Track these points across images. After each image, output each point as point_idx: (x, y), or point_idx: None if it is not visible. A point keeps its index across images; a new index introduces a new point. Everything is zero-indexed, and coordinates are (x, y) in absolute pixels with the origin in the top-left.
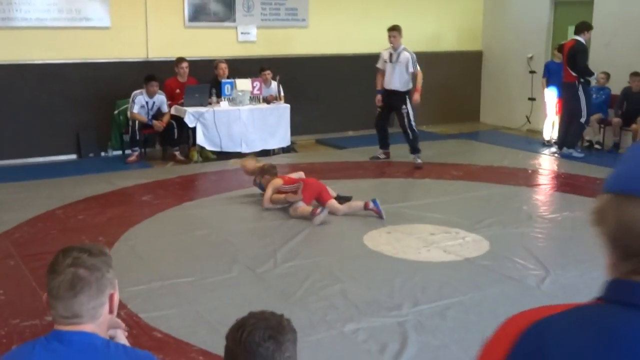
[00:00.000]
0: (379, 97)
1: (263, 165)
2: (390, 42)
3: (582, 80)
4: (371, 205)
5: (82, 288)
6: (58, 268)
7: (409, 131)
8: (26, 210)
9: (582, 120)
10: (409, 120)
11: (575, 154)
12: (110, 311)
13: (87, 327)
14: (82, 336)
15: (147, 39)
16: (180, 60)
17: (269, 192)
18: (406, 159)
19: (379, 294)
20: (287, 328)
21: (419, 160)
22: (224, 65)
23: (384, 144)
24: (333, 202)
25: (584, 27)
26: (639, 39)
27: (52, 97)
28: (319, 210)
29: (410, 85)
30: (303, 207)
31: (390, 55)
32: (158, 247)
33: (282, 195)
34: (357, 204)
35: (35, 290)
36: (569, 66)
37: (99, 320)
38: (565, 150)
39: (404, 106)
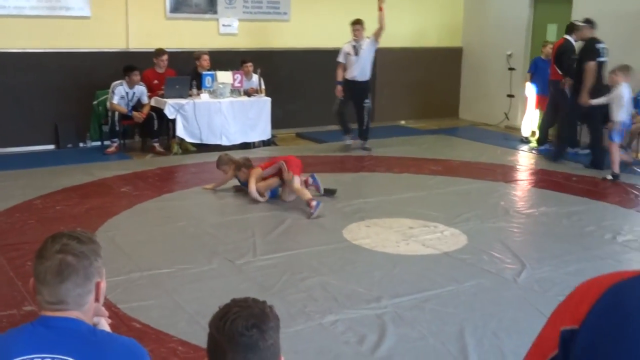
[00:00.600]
0: (339, 88)
1: (237, 161)
2: (355, 36)
3: (568, 79)
4: (310, 181)
5: (69, 275)
6: (46, 253)
7: (365, 124)
8: (3, 200)
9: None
10: (368, 113)
11: (581, 151)
12: (97, 299)
13: (73, 314)
14: (67, 322)
15: (128, 29)
16: (161, 52)
17: (252, 183)
18: (387, 154)
19: (358, 287)
20: (270, 315)
21: (367, 145)
22: (206, 57)
23: (347, 129)
24: (296, 181)
25: (575, 26)
26: (617, 36)
27: (31, 87)
28: (314, 203)
29: (370, 76)
30: (303, 189)
31: (354, 47)
32: (137, 238)
33: (273, 180)
34: (307, 196)
35: (13, 280)
36: (556, 65)
37: (84, 307)
38: (569, 149)
39: (366, 100)
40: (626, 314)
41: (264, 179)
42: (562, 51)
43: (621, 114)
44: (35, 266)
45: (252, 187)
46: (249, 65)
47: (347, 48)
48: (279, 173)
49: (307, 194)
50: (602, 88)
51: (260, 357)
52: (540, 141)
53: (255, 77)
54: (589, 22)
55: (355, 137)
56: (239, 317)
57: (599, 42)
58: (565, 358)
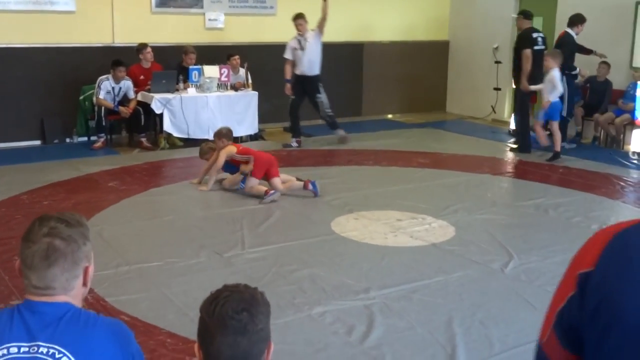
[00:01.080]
0: (288, 86)
1: (220, 130)
2: (299, 30)
3: (565, 72)
4: (310, 187)
5: (56, 259)
6: (33, 237)
7: (327, 117)
8: None
9: (564, 113)
10: (324, 107)
11: (567, 146)
12: (84, 284)
13: (60, 298)
14: (53, 307)
15: (113, 24)
16: (143, 46)
17: (222, 158)
18: (374, 147)
19: (346, 278)
20: (261, 301)
21: (343, 132)
22: (193, 56)
23: (298, 131)
24: (277, 181)
25: (576, 19)
26: (602, 29)
27: (16, 82)
28: (271, 191)
29: (319, 70)
30: (257, 187)
31: (300, 42)
32: (125, 232)
33: (237, 177)
34: (297, 183)
35: (0, 274)
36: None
37: (72, 292)
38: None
39: (318, 95)
40: (629, 254)
41: (233, 159)
42: (561, 43)
43: (552, 95)
44: (22, 249)
45: (221, 161)
46: (236, 59)
47: (293, 43)
48: (247, 160)
49: (261, 190)
50: (540, 75)
51: (249, 341)
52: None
53: (242, 71)
54: (523, 13)
55: (300, 139)
56: (229, 300)
57: (535, 31)
58: (582, 295)
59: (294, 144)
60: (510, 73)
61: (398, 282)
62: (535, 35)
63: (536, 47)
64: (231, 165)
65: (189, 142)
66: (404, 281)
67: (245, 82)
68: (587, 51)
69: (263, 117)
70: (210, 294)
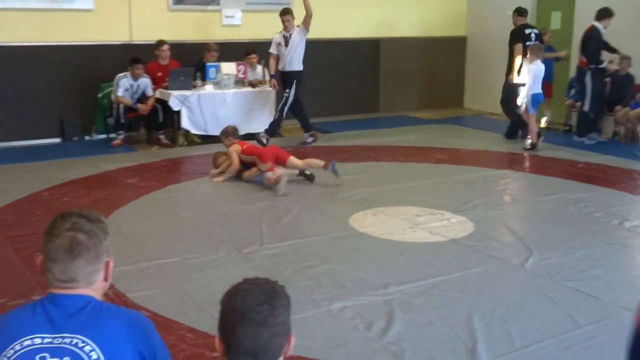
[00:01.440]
0: (274, 82)
1: (226, 129)
2: (286, 27)
3: (591, 66)
4: (330, 167)
5: (80, 252)
6: (56, 231)
7: (278, 113)
8: (11, 192)
9: (586, 108)
10: (285, 104)
11: (587, 141)
12: (105, 278)
13: (82, 291)
14: (76, 299)
15: (131, 21)
16: (161, 43)
17: (235, 157)
18: (392, 143)
19: (365, 274)
20: (281, 293)
21: (265, 138)
22: (215, 54)
23: (309, 126)
24: (292, 160)
25: (604, 13)
26: (622, 23)
27: (36, 81)
28: (278, 178)
29: (301, 67)
30: (271, 178)
31: (285, 38)
32: (144, 229)
33: (255, 170)
34: (317, 162)
35: (22, 270)
36: (581, 51)
37: (94, 285)
38: (576, 138)
39: (287, 90)
40: None
41: (242, 162)
42: (588, 37)
43: (534, 87)
44: (44, 244)
45: (236, 161)
46: (253, 57)
47: (278, 38)
48: (255, 163)
49: (272, 179)
50: None
51: (269, 333)
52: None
53: (259, 68)
54: (517, 10)
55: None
56: (249, 293)
57: (529, 27)
58: None
59: (309, 140)
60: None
61: (417, 278)
62: (528, 31)
63: (529, 43)
64: (242, 164)
65: (206, 139)
66: (423, 277)
67: (263, 79)
68: (612, 50)
69: None
70: (230, 287)
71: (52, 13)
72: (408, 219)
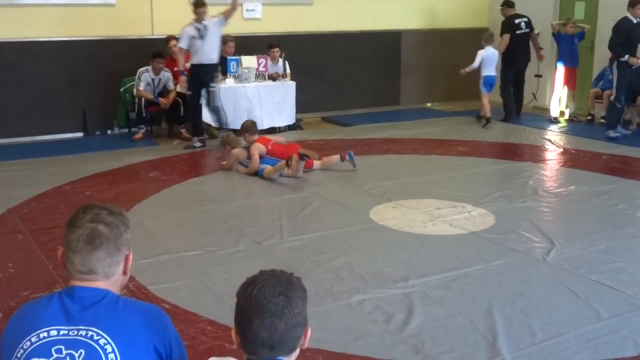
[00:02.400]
0: (182, 78)
1: (244, 124)
2: (200, 18)
3: (615, 59)
4: (347, 158)
5: (100, 243)
6: (78, 222)
7: (212, 111)
8: (34, 186)
9: (612, 98)
10: (216, 98)
11: (611, 134)
12: (124, 272)
13: (101, 284)
14: (93, 292)
15: (152, 16)
16: (169, 38)
17: (256, 156)
18: (413, 136)
19: (385, 267)
20: (297, 285)
21: (198, 144)
22: (232, 44)
23: (200, 130)
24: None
25: (634, 1)
26: None
27: (58, 75)
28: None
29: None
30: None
31: (199, 30)
32: (165, 222)
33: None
34: (334, 158)
35: (44, 263)
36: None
37: (112, 278)
38: (605, 130)
39: (212, 84)
40: None
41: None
42: (613, 28)
43: (486, 70)
44: (66, 235)
45: (256, 159)
46: (276, 51)
47: (191, 31)
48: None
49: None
50: (525, 56)
51: (286, 324)
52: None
53: (281, 62)
54: (506, 3)
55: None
56: (266, 284)
57: (518, 17)
58: None
59: (197, 144)
60: (553, 59)
61: (437, 271)
62: (518, 20)
63: (519, 32)
64: (267, 159)
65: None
66: (444, 269)
67: (284, 72)
68: None
69: (301, 107)
70: (246, 279)
71: (75, 8)
72: (429, 211)
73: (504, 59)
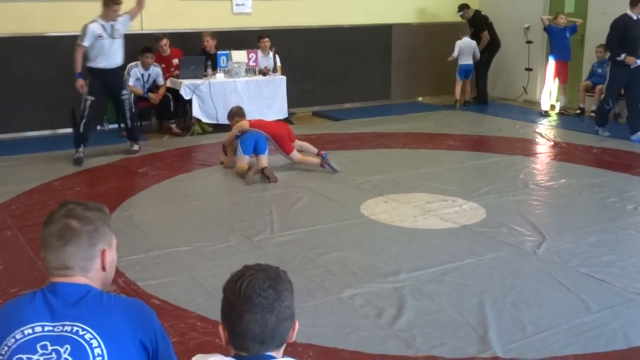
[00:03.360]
0: (81, 82)
1: (230, 110)
2: (113, 18)
3: (615, 57)
4: (327, 166)
5: (71, 238)
6: (52, 218)
7: (129, 119)
8: (23, 182)
9: (602, 98)
10: (130, 107)
11: (600, 132)
12: (103, 268)
13: (80, 279)
14: (75, 287)
15: (141, 11)
16: (159, 37)
17: (233, 132)
18: (403, 130)
19: (376, 261)
20: (285, 278)
21: (136, 147)
22: (208, 39)
23: (85, 138)
24: (295, 153)
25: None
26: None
27: (47, 71)
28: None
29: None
30: (304, 159)
31: (105, 29)
32: (155, 217)
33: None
34: (314, 160)
35: (33, 259)
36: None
37: (90, 274)
38: (635, 136)
39: (124, 92)
40: None
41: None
42: (610, 26)
43: (462, 59)
44: (41, 232)
45: (232, 134)
46: (266, 41)
47: (97, 29)
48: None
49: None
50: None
51: (277, 318)
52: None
53: (271, 55)
54: (465, 6)
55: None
56: (254, 278)
57: (479, 13)
58: None
59: (80, 153)
60: (543, 52)
61: (428, 265)
62: (484, 14)
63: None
64: (247, 139)
65: (218, 128)
66: (435, 263)
67: (274, 66)
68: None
69: (292, 102)
70: (232, 274)
71: (63, 3)
72: (419, 205)
73: (489, 50)
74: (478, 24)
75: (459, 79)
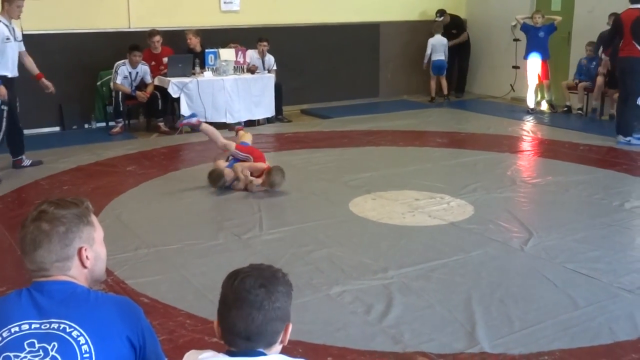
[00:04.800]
0: (2, 90)
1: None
2: (17, 16)
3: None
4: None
5: (41, 241)
6: (25, 222)
7: (2, 131)
8: (10, 181)
9: (639, 101)
10: (4, 119)
11: (634, 140)
12: (84, 266)
13: (61, 278)
14: (60, 285)
15: (129, 8)
16: (153, 33)
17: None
18: (392, 128)
19: (364, 258)
20: (281, 280)
21: (27, 162)
22: (191, 36)
23: (21, 146)
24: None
25: None
26: (623, 6)
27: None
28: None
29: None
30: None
31: (9, 29)
32: (144, 216)
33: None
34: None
35: (20, 258)
36: (636, 39)
37: (70, 272)
38: (621, 138)
39: (2, 105)
40: None
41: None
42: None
43: (435, 55)
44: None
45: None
46: (264, 45)
47: (5, 31)
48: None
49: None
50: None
51: (264, 317)
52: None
53: (270, 58)
54: (440, 12)
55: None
56: (248, 276)
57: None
58: None
59: (27, 162)
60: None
61: (416, 262)
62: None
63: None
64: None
65: None
66: (423, 260)
67: (270, 68)
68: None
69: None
70: (232, 271)
71: (50, 1)
72: (408, 203)
73: (462, 49)
74: (459, 26)
75: (433, 74)
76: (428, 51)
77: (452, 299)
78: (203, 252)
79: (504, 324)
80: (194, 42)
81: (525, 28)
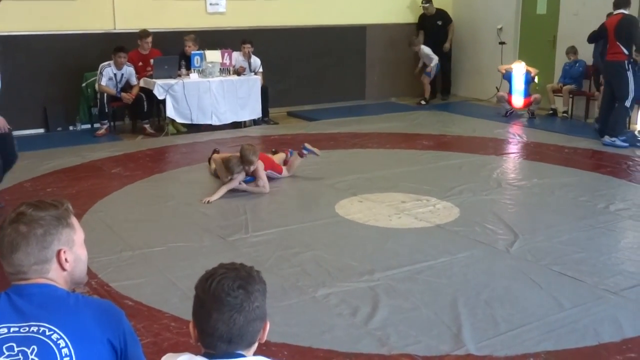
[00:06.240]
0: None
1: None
2: None
3: (632, 59)
4: (305, 152)
5: (17, 244)
6: (4, 224)
7: None
8: None
9: (627, 104)
10: None
11: (618, 142)
12: (63, 268)
13: (40, 281)
14: (40, 288)
15: (114, 9)
16: (145, 34)
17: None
18: (378, 130)
19: (350, 260)
20: (257, 279)
21: None
22: (190, 44)
23: None
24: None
25: (621, 2)
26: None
27: (18, 70)
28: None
29: None
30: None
31: None
32: (128, 218)
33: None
34: (296, 161)
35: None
36: (621, 42)
37: (49, 275)
38: (607, 138)
39: None
40: None
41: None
42: (629, 25)
43: (430, 62)
44: None
45: (265, 180)
46: (247, 47)
47: None
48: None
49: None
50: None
51: (245, 318)
52: (601, 132)
53: (256, 60)
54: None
55: None
56: (225, 277)
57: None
58: None
59: None
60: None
61: (403, 264)
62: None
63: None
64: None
65: (192, 128)
66: (409, 262)
67: (256, 71)
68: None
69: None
70: (205, 272)
71: (35, 2)
72: (394, 205)
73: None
74: (444, 17)
75: (426, 75)
76: (432, 63)
77: (438, 301)
78: (188, 254)
79: (489, 325)
80: (192, 50)
81: (507, 76)
